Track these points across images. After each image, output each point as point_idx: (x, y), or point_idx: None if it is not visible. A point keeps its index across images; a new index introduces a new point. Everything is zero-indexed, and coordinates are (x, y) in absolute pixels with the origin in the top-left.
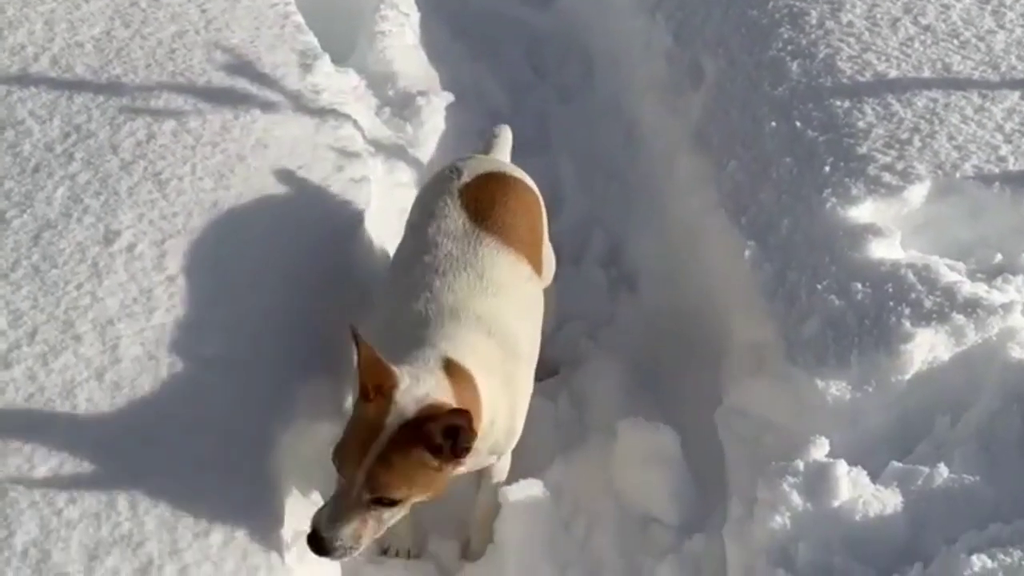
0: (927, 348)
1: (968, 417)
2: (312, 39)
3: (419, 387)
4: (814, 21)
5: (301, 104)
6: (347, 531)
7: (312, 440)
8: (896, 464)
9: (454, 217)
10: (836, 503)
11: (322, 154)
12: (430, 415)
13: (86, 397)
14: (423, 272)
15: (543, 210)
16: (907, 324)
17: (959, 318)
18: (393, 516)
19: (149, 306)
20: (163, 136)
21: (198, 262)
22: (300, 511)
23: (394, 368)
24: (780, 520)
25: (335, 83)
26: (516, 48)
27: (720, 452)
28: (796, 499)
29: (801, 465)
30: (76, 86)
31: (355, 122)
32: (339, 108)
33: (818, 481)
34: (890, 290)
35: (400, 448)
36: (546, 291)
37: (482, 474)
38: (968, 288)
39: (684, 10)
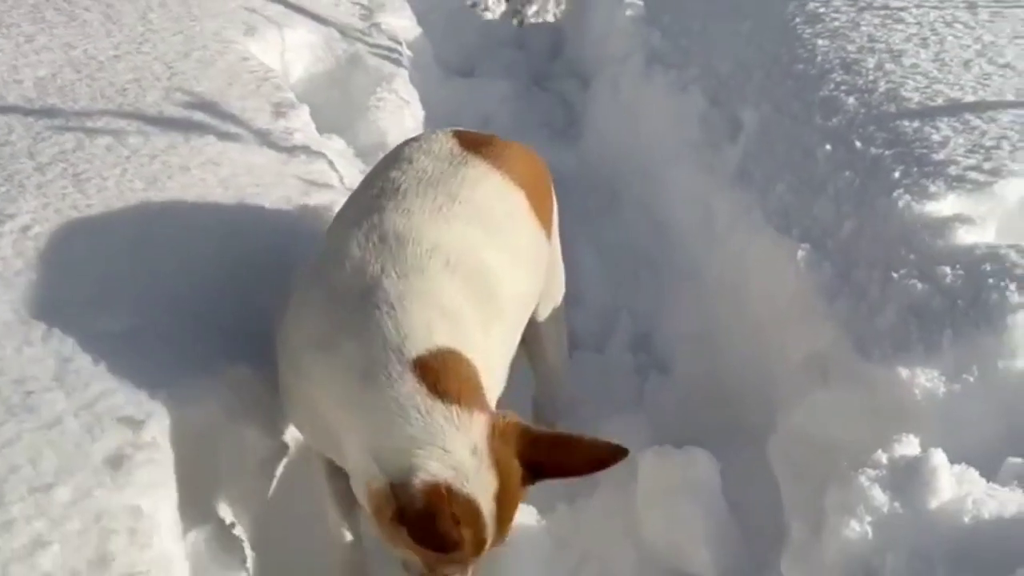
0: None
1: None
2: (291, 95)
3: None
4: (871, 65)
5: (270, 140)
6: None
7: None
8: (1015, 459)
9: (441, 141)
10: (935, 503)
11: (287, 180)
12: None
13: None
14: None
15: (551, 187)
16: (1014, 296)
17: None
18: None
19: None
20: (94, 147)
21: (106, 247)
22: (197, 512)
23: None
24: (858, 528)
25: (313, 135)
26: None
27: (772, 498)
28: (879, 498)
29: (884, 458)
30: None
31: (332, 163)
32: (313, 147)
33: (909, 476)
34: (988, 269)
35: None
36: (552, 319)
37: None
38: None
39: (720, 78)
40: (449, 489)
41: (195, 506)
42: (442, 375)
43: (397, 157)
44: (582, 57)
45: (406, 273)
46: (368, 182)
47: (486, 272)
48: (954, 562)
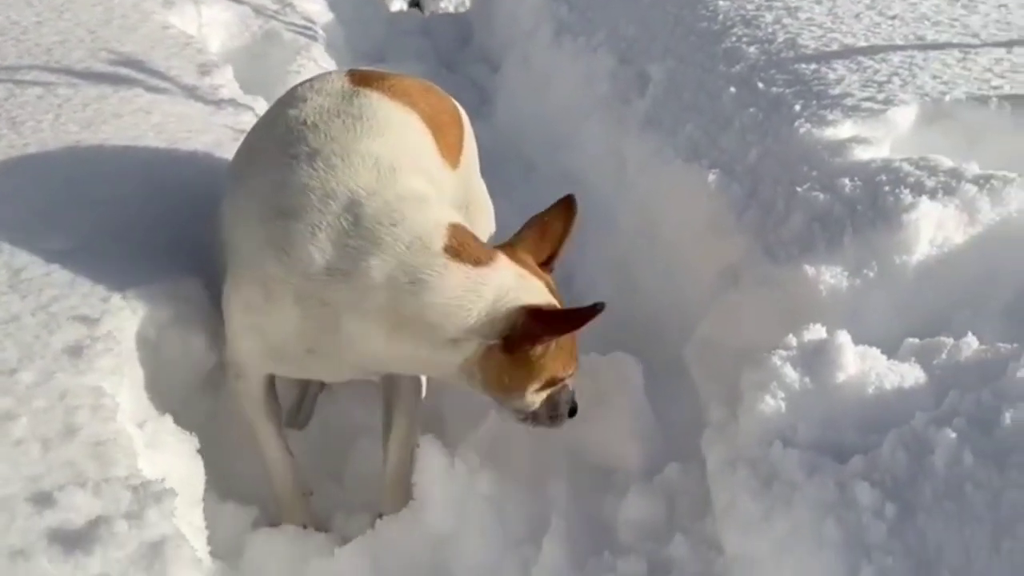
0: (935, 223)
1: (991, 303)
2: (214, 57)
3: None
4: (770, 19)
5: (197, 94)
6: None
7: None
8: (912, 340)
9: (332, 79)
10: (842, 377)
11: (216, 128)
12: None
13: None
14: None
15: (463, 120)
16: (908, 198)
17: (970, 189)
18: None
19: None
20: (25, 96)
21: (45, 179)
22: (149, 406)
23: None
24: (772, 402)
25: (238, 91)
26: None
27: (690, 402)
28: (791, 375)
29: (795, 341)
30: None
31: (258, 115)
32: (239, 100)
33: (817, 355)
34: (884, 179)
35: None
36: None
37: (394, 405)
38: (978, 169)
39: (627, 40)
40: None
41: (149, 400)
42: (467, 247)
43: (292, 96)
44: (491, 45)
45: (374, 187)
46: (269, 123)
47: (415, 163)
48: (860, 426)
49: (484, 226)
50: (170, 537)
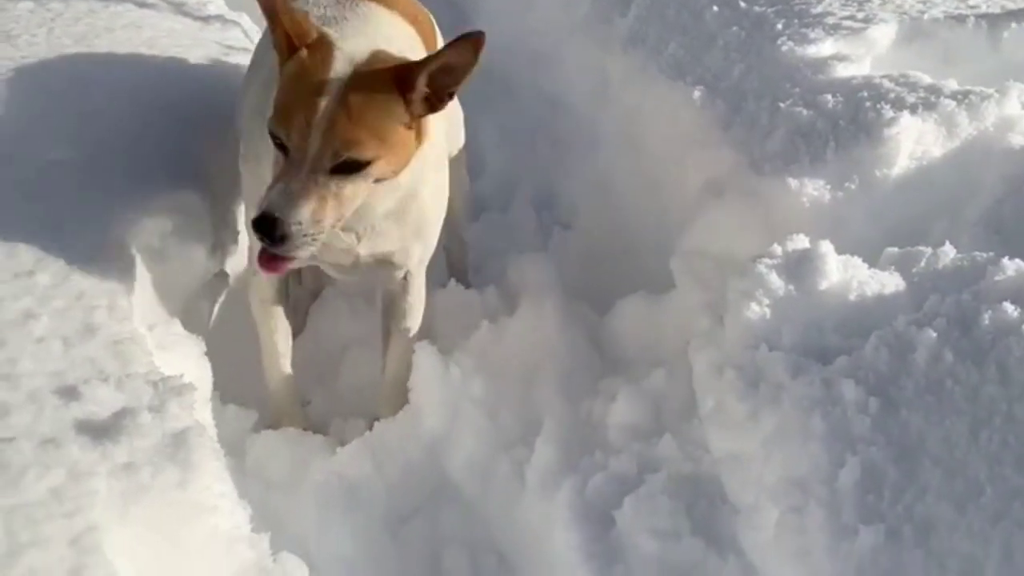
0: (914, 137)
1: (968, 214)
2: None
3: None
4: None
5: (185, 11)
6: (306, 211)
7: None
8: (892, 249)
9: None
10: (825, 285)
11: (206, 44)
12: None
13: None
14: None
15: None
16: (889, 112)
17: (948, 104)
18: (355, 194)
19: None
20: (17, 11)
21: (45, 91)
22: (158, 310)
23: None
24: (758, 309)
25: (225, 8)
26: None
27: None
28: (776, 282)
29: (779, 250)
30: None
31: (246, 32)
32: (227, 16)
33: (801, 263)
34: (865, 95)
35: (366, 95)
36: (456, 161)
37: (391, 313)
38: (956, 85)
39: None
40: None
41: (158, 304)
42: None
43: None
44: None
45: None
46: None
47: None
48: (843, 330)
49: (456, 130)
50: (192, 428)
